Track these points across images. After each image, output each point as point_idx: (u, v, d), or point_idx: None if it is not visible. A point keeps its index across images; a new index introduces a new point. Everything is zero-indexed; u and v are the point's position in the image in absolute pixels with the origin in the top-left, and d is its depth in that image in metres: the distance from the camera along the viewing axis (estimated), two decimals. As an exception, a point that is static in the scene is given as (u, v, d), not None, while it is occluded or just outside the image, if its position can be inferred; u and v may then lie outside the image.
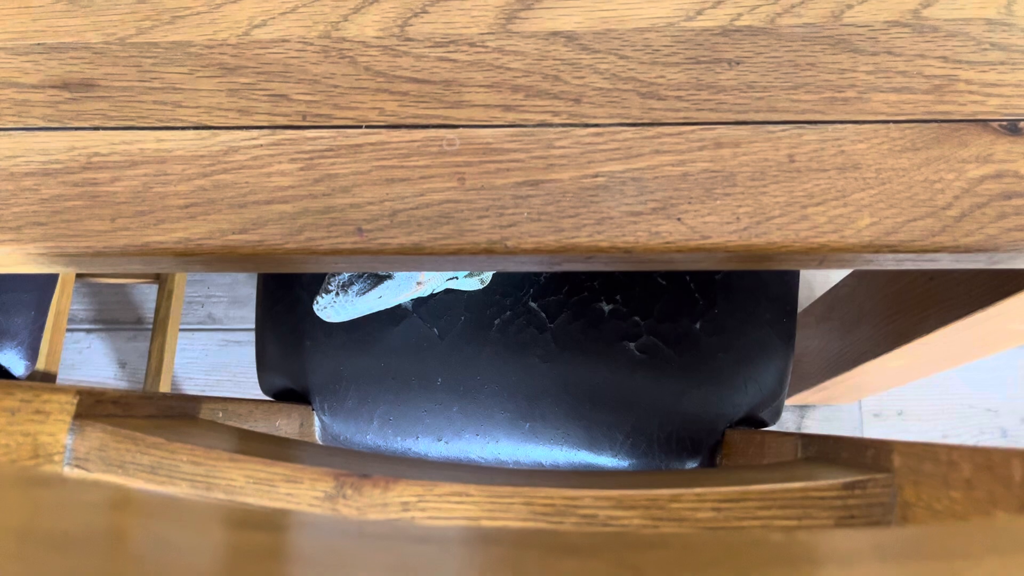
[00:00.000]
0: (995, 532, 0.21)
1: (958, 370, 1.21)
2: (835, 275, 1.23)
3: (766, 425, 0.73)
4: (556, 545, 0.20)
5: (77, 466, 0.37)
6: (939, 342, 0.72)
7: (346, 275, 0.62)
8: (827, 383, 0.99)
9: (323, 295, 0.62)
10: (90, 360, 1.33)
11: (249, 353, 1.32)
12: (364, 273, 0.62)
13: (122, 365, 1.33)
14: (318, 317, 0.73)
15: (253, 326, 1.25)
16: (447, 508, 0.35)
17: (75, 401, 0.37)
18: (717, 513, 0.34)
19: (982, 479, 0.28)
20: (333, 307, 0.62)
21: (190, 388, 1.32)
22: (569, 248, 0.42)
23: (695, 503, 0.35)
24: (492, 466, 0.71)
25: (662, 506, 0.34)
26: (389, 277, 0.61)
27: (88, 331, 1.34)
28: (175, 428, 0.43)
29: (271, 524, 0.20)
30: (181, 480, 0.36)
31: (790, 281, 0.72)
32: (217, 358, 1.32)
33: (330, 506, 0.36)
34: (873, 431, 1.22)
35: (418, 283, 0.62)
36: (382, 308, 0.65)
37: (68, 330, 1.33)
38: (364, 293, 0.61)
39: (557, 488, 0.35)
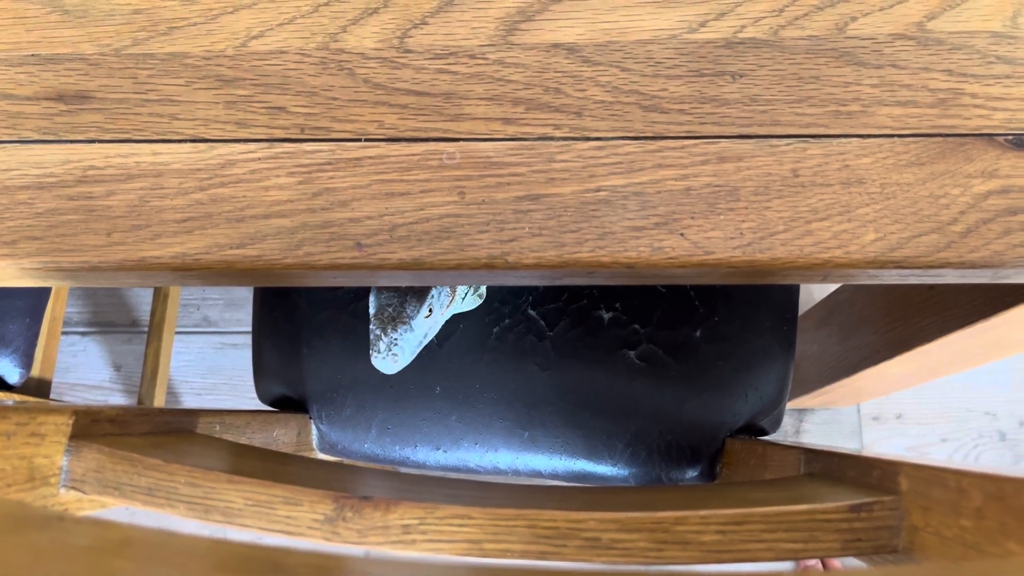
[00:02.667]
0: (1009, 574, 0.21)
1: (957, 374, 1.21)
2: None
3: (766, 433, 0.72)
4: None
5: (73, 488, 0.36)
6: (939, 350, 0.72)
7: (385, 314, 0.57)
8: (826, 388, 0.99)
9: (382, 342, 0.56)
10: (85, 363, 1.32)
11: (245, 356, 1.31)
12: (396, 301, 0.57)
13: (117, 368, 1.32)
14: (315, 324, 0.73)
15: (249, 329, 1.25)
16: (449, 531, 0.34)
17: (71, 422, 0.36)
18: (722, 536, 0.34)
19: (993, 509, 0.27)
20: (398, 346, 0.56)
21: (186, 391, 1.31)
22: (571, 263, 0.42)
23: (700, 526, 0.34)
24: (493, 483, 0.71)
25: (667, 529, 0.34)
26: (427, 294, 0.58)
27: (83, 334, 1.33)
28: (172, 445, 0.43)
29: (276, 567, 0.20)
30: (179, 502, 0.36)
31: (790, 289, 0.72)
32: (213, 361, 1.32)
33: (330, 529, 0.35)
34: (872, 434, 1.22)
35: (452, 290, 0.61)
36: (435, 327, 0.61)
37: (63, 333, 1.32)
38: (416, 314, 0.57)
39: (560, 511, 0.34)
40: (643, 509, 0.35)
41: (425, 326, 0.58)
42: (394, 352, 0.56)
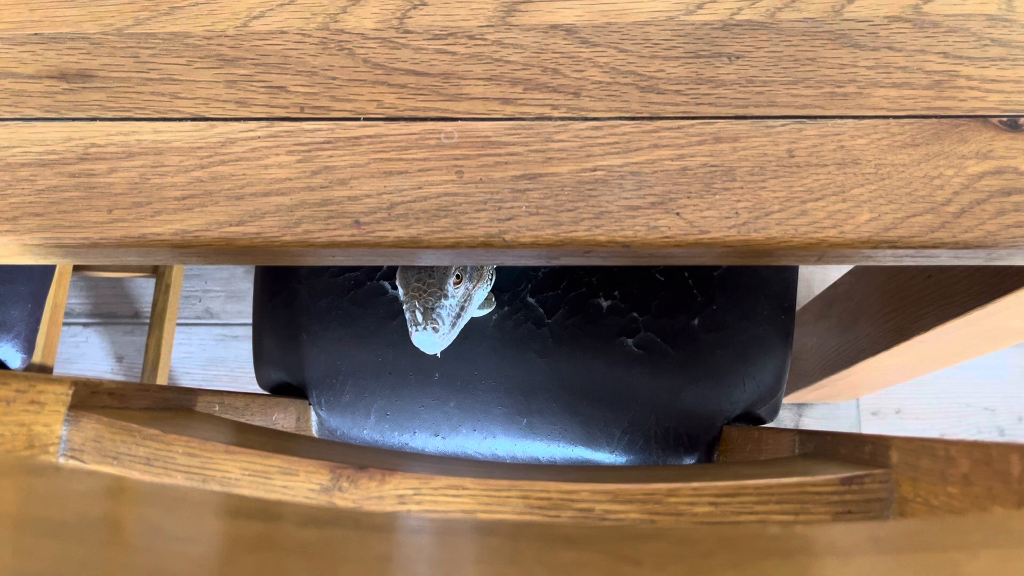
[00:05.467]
0: (992, 526, 0.21)
1: (956, 369, 1.21)
2: (833, 273, 1.23)
3: (764, 422, 0.72)
4: (552, 536, 0.20)
5: (72, 457, 0.37)
6: (937, 340, 0.72)
7: (414, 288, 0.56)
8: (825, 381, 0.99)
9: (418, 313, 0.55)
10: (87, 354, 1.33)
11: (246, 348, 1.32)
12: (423, 275, 0.56)
13: (119, 359, 1.33)
14: (315, 311, 0.73)
15: (250, 321, 1.25)
16: (443, 501, 0.35)
17: (71, 392, 0.37)
18: (714, 508, 0.34)
19: (980, 474, 0.28)
20: (436, 313, 0.55)
21: (187, 383, 1.31)
22: (567, 242, 0.42)
23: (692, 498, 0.34)
24: (489, 460, 0.71)
25: (659, 500, 0.34)
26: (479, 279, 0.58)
27: (85, 325, 1.34)
28: (171, 420, 0.43)
29: (266, 513, 0.20)
30: (176, 472, 0.36)
31: (789, 278, 0.72)
32: (214, 353, 1.32)
33: (326, 499, 0.36)
34: (871, 429, 1.22)
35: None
36: (471, 303, 0.60)
37: (65, 324, 1.33)
38: (447, 281, 0.56)
39: (554, 482, 0.35)
40: (636, 482, 0.35)
41: (459, 294, 0.57)
42: (433, 321, 0.54)
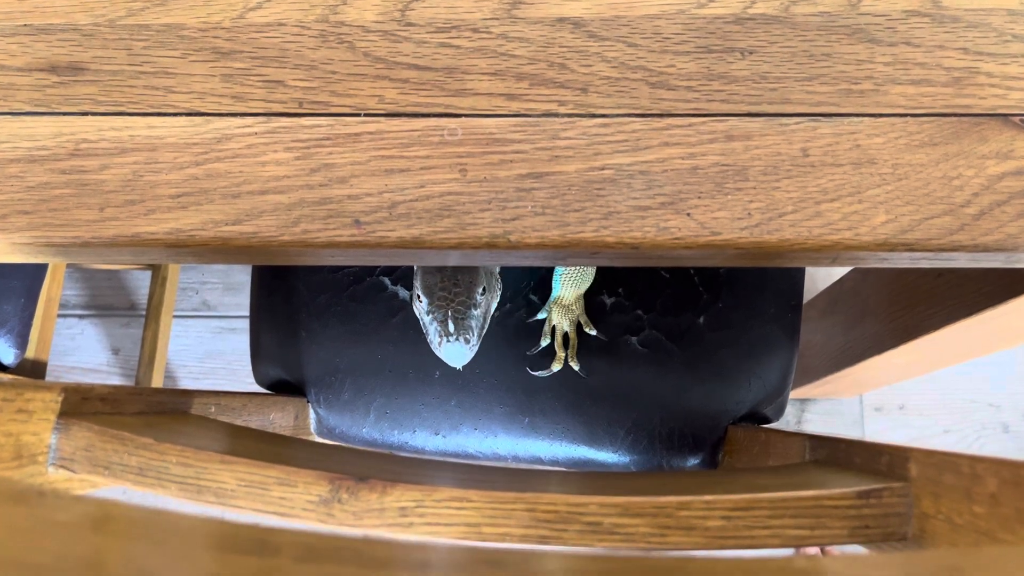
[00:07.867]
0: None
1: (960, 365, 1.20)
2: (838, 268, 1.22)
3: (769, 421, 0.71)
4: (568, 571, 0.19)
5: (62, 466, 0.35)
6: (945, 339, 0.71)
7: (439, 297, 0.52)
8: (829, 378, 0.98)
9: (449, 324, 0.51)
10: (83, 346, 1.32)
11: (244, 341, 1.30)
12: (448, 282, 0.53)
13: (115, 352, 1.31)
14: (314, 307, 0.72)
15: (248, 314, 1.24)
16: (447, 514, 0.34)
17: (60, 399, 0.35)
18: (727, 522, 0.33)
19: (1009, 495, 0.26)
20: (464, 325, 0.52)
21: (184, 375, 1.30)
22: (574, 243, 0.41)
23: (704, 511, 0.33)
24: (493, 466, 0.69)
25: (670, 514, 0.33)
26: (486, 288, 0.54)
27: (81, 317, 1.33)
28: (165, 425, 0.42)
29: (263, 547, 0.19)
30: (170, 482, 0.35)
31: (795, 276, 0.71)
32: (211, 345, 1.31)
33: (325, 511, 0.34)
34: (874, 425, 1.21)
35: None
36: (489, 310, 0.58)
37: (60, 316, 1.32)
38: (475, 289, 0.53)
39: (561, 495, 0.33)
40: (646, 494, 0.34)
41: (483, 304, 0.54)
42: (466, 331, 0.51)
